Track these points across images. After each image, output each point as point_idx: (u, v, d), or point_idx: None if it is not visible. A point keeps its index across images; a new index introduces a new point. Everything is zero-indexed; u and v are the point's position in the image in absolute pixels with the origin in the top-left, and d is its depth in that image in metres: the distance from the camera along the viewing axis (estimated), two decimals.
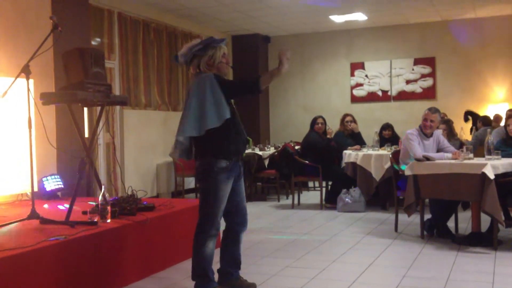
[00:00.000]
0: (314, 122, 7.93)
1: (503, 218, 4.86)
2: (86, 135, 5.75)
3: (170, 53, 9.53)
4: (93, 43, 7.63)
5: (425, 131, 5.70)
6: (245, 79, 3.67)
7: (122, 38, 8.38)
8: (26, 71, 4.02)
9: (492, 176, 4.75)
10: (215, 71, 3.58)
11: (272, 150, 8.99)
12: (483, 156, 5.29)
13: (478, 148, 7.03)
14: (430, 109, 5.74)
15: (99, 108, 4.91)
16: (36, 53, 4.06)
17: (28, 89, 4.07)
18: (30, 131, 4.09)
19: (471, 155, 5.23)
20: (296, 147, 8.58)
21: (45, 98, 4.58)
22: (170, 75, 9.52)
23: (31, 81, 4.15)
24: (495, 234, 4.94)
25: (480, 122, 8.76)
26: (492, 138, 5.33)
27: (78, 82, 4.46)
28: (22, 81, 4.11)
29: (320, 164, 7.53)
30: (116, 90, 8.19)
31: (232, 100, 3.64)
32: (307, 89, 11.82)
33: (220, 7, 9.08)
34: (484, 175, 4.77)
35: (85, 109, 5.96)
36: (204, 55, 3.57)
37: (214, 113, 3.42)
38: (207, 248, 3.58)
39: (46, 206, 5.31)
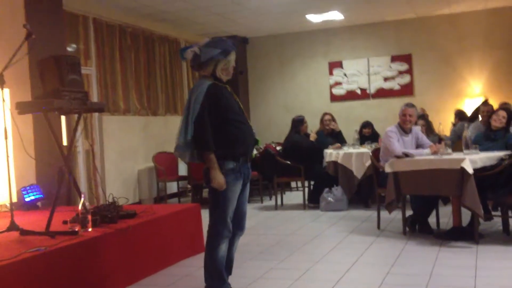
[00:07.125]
0: (297, 123, 7.90)
1: (482, 212, 4.91)
2: (65, 143, 5.68)
3: (148, 58, 9.47)
4: (69, 49, 7.54)
5: (405, 127, 5.76)
6: (204, 137, 3.38)
7: (99, 44, 8.30)
8: (0, 81, 3.96)
9: (471, 171, 4.80)
10: (225, 73, 3.56)
11: (253, 152, 8.98)
12: (462, 151, 5.35)
13: (457, 143, 7.09)
14: (407, 105, 5.82)
15: (77, 116, 4.85)
16: (10, 62, 4.00)
17: (3, 99, 4.02)
18: (6, 142, 4.04)
19: (450, 150, 5.28)
20: (278, 148, 8.58)
21: (21, 108, 4.51)
22: (148, 80, 9.45)
23: (6, 90, 4.10)
24: (476, 228, 5.00)
25: (457, 118, 8.81)
26: (470, 132, 5.38)
27: (54, 90, 4.40)
28: None
29: (302, 164, 7.54)
30: (94, 97, 8.10)
31: (238, 99, 3.60)
32: (287, 89, 11.84)
33: (197, 10, 9.04)
34: (463, 169, 4.82)
35: (63, 117, 5.90)
36: (222, 60, 3.52)
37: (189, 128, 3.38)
38: (221, 250, 3.55)
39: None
